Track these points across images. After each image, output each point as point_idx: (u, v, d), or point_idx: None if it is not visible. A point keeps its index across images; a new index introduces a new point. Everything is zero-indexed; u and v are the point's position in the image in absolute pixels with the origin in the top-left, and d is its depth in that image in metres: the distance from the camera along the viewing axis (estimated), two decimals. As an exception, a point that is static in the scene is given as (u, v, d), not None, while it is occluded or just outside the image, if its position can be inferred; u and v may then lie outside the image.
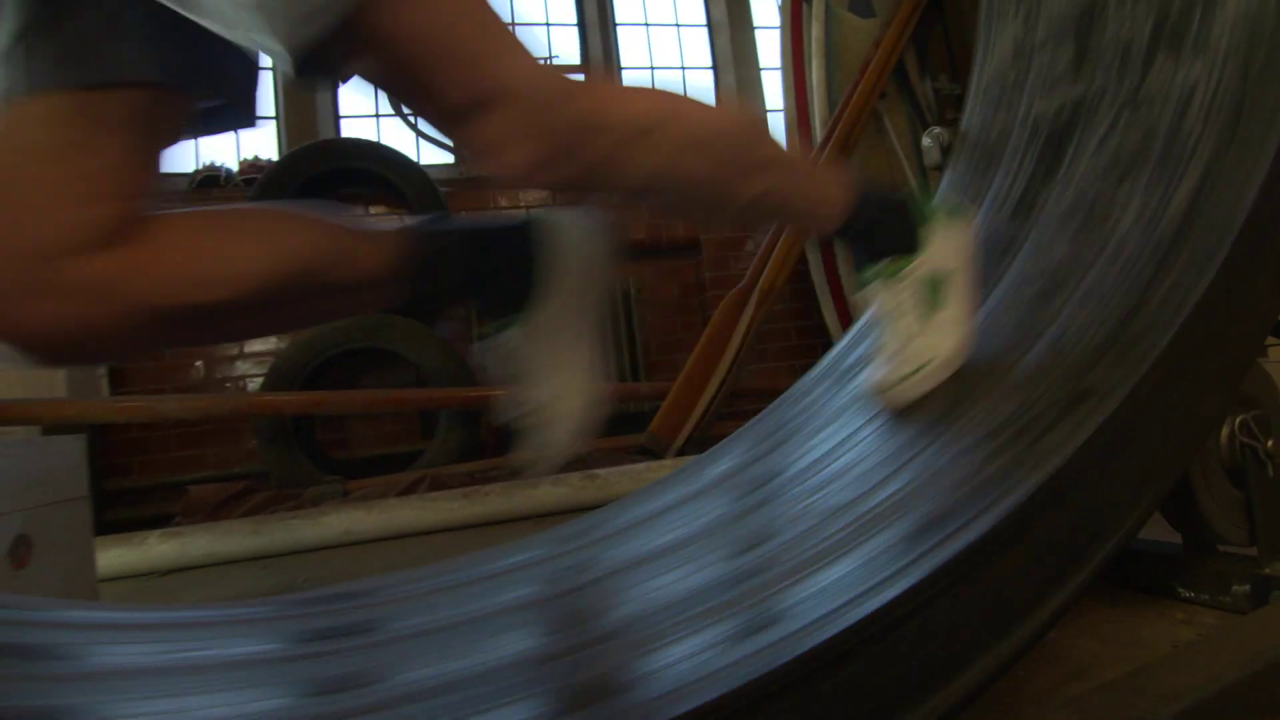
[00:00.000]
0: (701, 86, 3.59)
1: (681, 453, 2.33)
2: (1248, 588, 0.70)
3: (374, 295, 0.67)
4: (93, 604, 0.83)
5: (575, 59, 3.41)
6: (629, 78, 3.47)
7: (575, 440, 0.73)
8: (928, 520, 0.60)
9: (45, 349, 0.54)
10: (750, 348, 2.54)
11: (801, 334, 3.16)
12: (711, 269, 3.10)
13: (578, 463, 2.29)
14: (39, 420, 2.07)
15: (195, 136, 0.66)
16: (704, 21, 3.61)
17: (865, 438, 0.84)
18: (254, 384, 2.61)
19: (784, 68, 3.00)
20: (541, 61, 0.62)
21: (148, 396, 2.43)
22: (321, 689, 0.63)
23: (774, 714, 0.46)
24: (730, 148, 0.69)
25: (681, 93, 0.71)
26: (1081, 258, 0.81)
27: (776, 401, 1.15)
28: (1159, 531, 0.79)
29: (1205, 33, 0.81)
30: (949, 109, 2.98)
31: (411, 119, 2.95)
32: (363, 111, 3.13)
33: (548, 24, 3.43)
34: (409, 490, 2.06)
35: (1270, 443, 0.71)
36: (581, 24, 3.44)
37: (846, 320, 2.90)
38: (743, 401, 2.71)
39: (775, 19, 3.26)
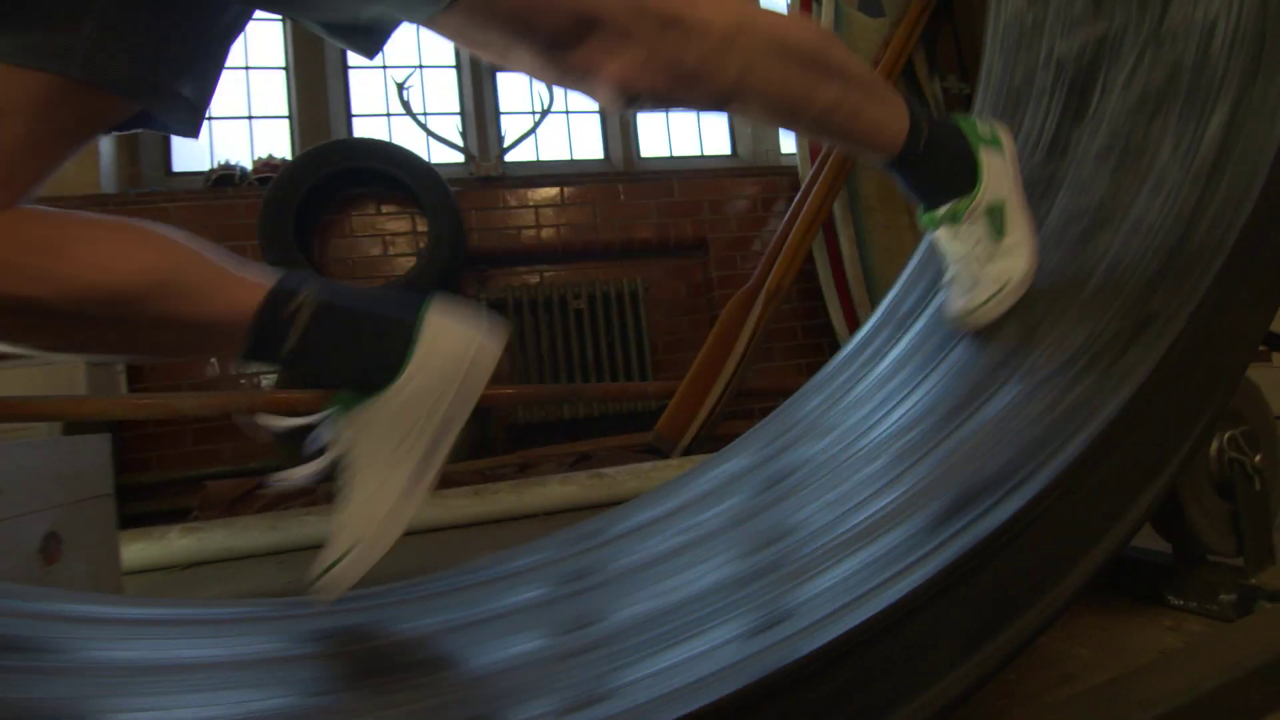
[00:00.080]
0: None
1: (688, 452, 2.36)
2: (1234, 597, 0.73)
3: (222, 340, 0.64)
4: (89, 596, 0.85)
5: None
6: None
7: (356, 570, 0.67)
8: (995, 473, 0.63)
9: None
10: (757, 347, 2.56)
11: (807, 333, 3.18)
12: (718, 268, 3.12)
13: (584, 461, 2.33)
14: (60, 416, 2.12)
15: (123, 131, 0.65)
16: (713, 20, 3.61)
17: (907, 407, 0.87)
18: (268, 381, 2.65)
19: (792, 68, 3.01)
20: None
21: (165, 394, 2.48)
22: (322, 690, 0.64)
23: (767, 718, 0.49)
24: (807, 52, 0.70)
25: None
26: (1123, 194, 0.84)
27: (791, 398, 1.16)
28: (1150, 541, 0.81)
29: (1223, -34, 0.84)
30: (957, 108, 2.98)
31: (422, 119, 2.98)
32: (374, 110, 3.16)
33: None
34: (420, 487, 2.10)
35: (1258, 457, 0.73)
36: (591, 23, 3.45)
37: (852, 320, 2.92)
38: (749, 401, 2.74)
39: (784, 18, 3.26)
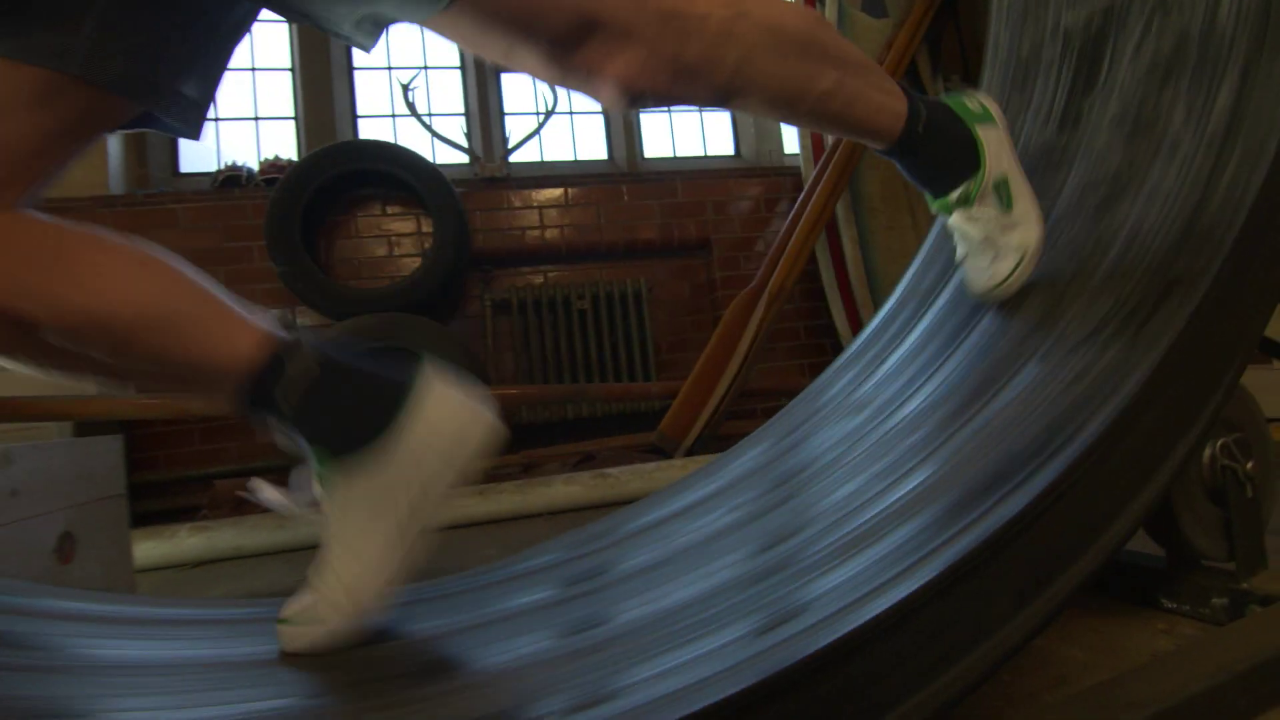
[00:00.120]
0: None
1: (691, 452, 2.37)
2: (1226, 601, 0.74)
3: (213, 383, 0.63)
4: (85, 594, 0.85)
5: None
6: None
7: (329, 640, 0.65)
8: (1045, 429, 0.65)
9: None
10: (760, 348, 2.58)
11: (810, 334, 3.19)
12: (722, 269, 3.14)
13: (588, 461, 2.35)
14: (70, 416, 2.15)
15: (127, 130, 0.64)
16: (717, 21, 3.62)
17: (935, 384, 0.89)
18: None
19: (796, 68, 3.02)
20: None
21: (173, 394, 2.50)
22: (322, 692, 0.64)
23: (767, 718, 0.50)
24: (803, 39, 0.70)
25: None
26: (1138, 162, 0.86)
27: (798, 397, 1.17)
28: (1146, 546, 0.83)
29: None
30: (961, 110, 2.98)
31: (426, 120, 2.99)
32: (380, 111, 3.18)
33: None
34: (426, 487, 2.12)
35: (1249, 464, 0.74)
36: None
37: (855, 320, 2.93)
38: (751, 401, 2.75)
39: (788, 19, 3.27)
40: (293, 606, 0.68)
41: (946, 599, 0.55)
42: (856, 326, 2.87)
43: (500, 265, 2.97)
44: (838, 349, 2.93)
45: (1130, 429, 0.62)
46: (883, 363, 1.04)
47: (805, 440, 1.02)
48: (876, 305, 2.79)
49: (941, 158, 0.83)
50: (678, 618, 0.66)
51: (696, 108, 3.07)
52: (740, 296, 2.63)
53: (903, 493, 0.72)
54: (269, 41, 3.09)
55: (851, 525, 0.71)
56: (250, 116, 3.07)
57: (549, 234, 3.01)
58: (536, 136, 3.12)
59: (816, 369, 1.29)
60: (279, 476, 2.36)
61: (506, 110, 3.26)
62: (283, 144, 3.07)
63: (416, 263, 2.83)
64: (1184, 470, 0.73)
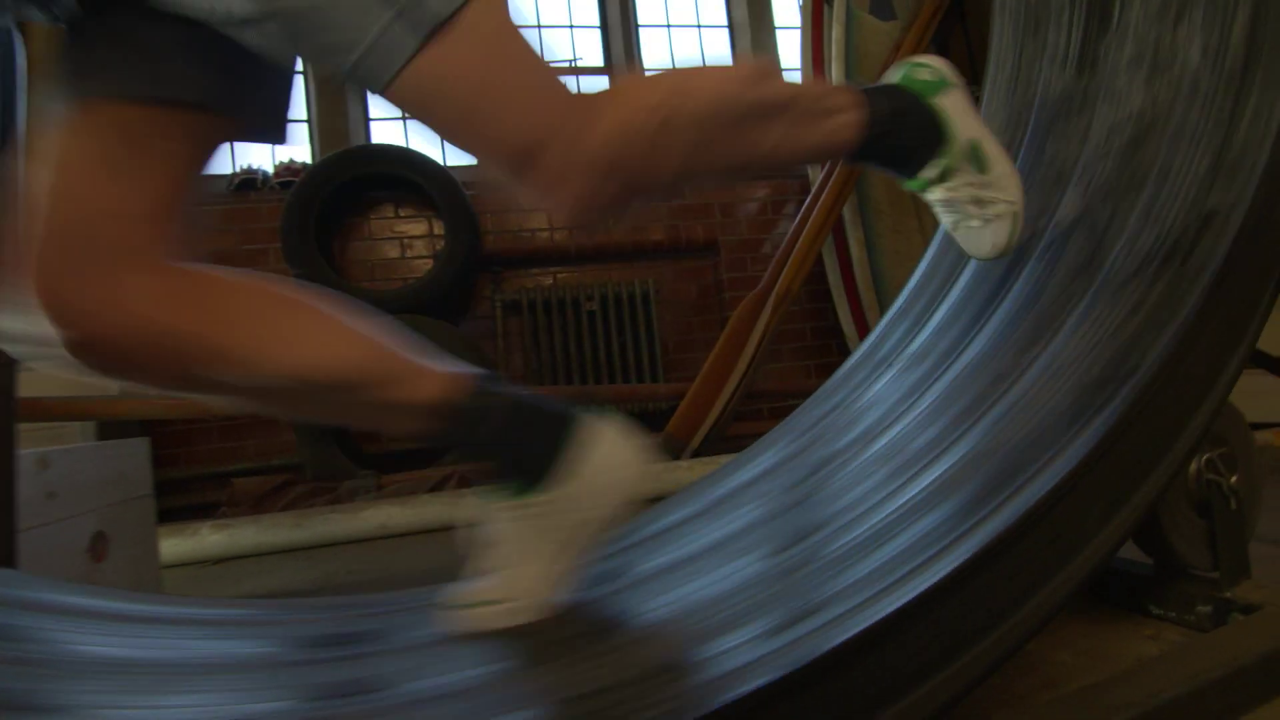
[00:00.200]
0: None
1: (698, 453, 2.41)
2: (1210, 609, 0.78)
3: (406, 422, 0.69)
4: (96, 590, 0.89)
5: (598, 61, 3.47)
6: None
7: (504, 621, 0.71)
8: (1095, 378, 0.70)
9: (91, 354, 0.58)
10: (767, 349, 2.61)
11: (816, 335, 3.22)
12: (729, 270, 3.17)
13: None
14: (93, 416, 2.21)
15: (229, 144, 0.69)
16: (725, 23, 3.64)
17: (951, 376, 0.92)
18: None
19: (804, 69, 3.03)
20: (568, 85, 0.63)
21: (192, 392, 2.56)
22: (322, 694, 0.66)
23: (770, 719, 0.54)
24: (740, 109, 0.69)
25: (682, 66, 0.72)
26: (1160, 101, 0.88)
27: (814, 396, 1.18)
28: (1137, 553, 0.86)
29: None
30: (968, 112, 2.99)
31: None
32: (392, 115, 3.22)
33: (571, 26, 3.48)
34: (439, 486, 2.17)
35: (1234, 478, 0.77)
36: (604, 26, 3.49)
37: (861, 323, 2.95)
38: (758, 402, 2.79)
39: (796, 20, 3.29)
40: (468, 596, 0.74)
41: (979, 577, 0.58)
42: (863, 328, 2.90)
43: (510, 266, 3.01)
44: (844, 350, 2.96)
45: (1189, 351, 0.67)
46: (933, 315, 1.06)
47: (823, 437, 1.04)
48: (883, 308, 2.81)
49: (905, 145, 0.82)
50: (698, 617, 0.68)
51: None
52: (747, 299, 2.66)
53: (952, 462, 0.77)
54: (283, 45, 3.13)
55: (886, 510, 0.75)
56: (265, 119, 3.11)
57: (558, 235, 3.05)
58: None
59: (822, 370, 1.32)
60: (294, 474, 2.42)
61: (516, 112, 3.30)
62: (297, 148, 3.11)
63: (429, 264, 2.87)
64: (1176, 476, 0.76)
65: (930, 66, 0.86)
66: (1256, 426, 1.59)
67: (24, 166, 0.61)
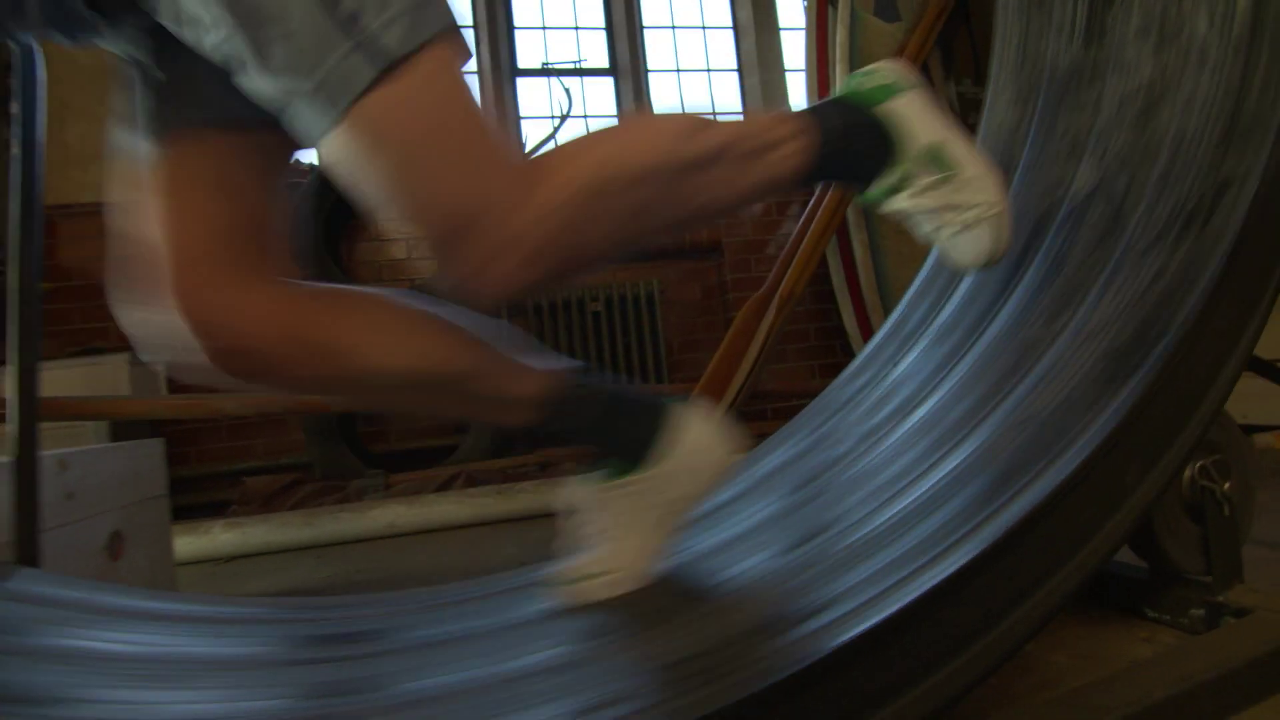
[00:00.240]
0: (727, 89, 3.64)
1: (702, 453, 2.42)
2: (1203, 612, 0.79)
3: (511, 415, 0.75)
4: (113, 588, 0.92)
5: (603, 62, 3.49)
6: (655, 80, 3.53)
7: (610, 591, 0.77)
8: (1121, 346, 0.72)
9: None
10: (771, 350, 2.63)
11: (820, 335, 3.23)
12: (733, 271, 3.18)
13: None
14: (106, 416, 2.24)
15: None
16: (730, 24, 3.66)
17: (960, 368, 0.94)
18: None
19: (808, 71, 3.04)
20: (511, 150, 0.61)
21: (204, 394, 2.59)
22: (319, 693, 0.67)
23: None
24: (674, 167, 0.67)
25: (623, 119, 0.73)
26: (1170, 71, 0.88)
27: (821, 394, 1.19)
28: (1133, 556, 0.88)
29: None
30: (972, 113, 3.01)
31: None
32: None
33: (576, 28, 3.50)
34: (446, 485, 2.20)
35: (1227, 485, 0.79)
36: (609, 27, 3.51)
37: (865, 325, 2.97)
38: (762, 402, 2.80)
39: (801, 22, 3.30)
40: (573, 571, 0.80)
41: (982, 576, 0.60)
42: (867, 330, 2.91)
43: (516, 267, 3.03)
44: (848, 351, 2.97)
45: (1214, 313, 0.70)
46: (956, 289, 1.06)
47: (856, 411, 1.06)
48: (887, 309, 2.82)
49: (854, 160, 0.80)
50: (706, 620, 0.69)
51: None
52: (751, 300, 2.67)
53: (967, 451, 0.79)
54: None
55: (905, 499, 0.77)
56: (273, 121, 3.14)
57: (564, 237, 3.07)
58: (552, 140, 3.17)
59: (827, 371, 1.33)
60: (303, 473, 2.45)
61: (522, 114, 3.32)
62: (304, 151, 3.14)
63: (435, 264, 2.89)
64: (1170, 483, 0.78)
65: (879, 72, 0.83)
66: (1258, 429, 1.60)
67: (121, 196, 0.67)
